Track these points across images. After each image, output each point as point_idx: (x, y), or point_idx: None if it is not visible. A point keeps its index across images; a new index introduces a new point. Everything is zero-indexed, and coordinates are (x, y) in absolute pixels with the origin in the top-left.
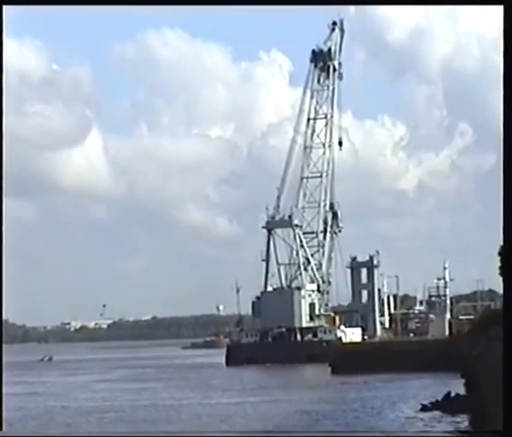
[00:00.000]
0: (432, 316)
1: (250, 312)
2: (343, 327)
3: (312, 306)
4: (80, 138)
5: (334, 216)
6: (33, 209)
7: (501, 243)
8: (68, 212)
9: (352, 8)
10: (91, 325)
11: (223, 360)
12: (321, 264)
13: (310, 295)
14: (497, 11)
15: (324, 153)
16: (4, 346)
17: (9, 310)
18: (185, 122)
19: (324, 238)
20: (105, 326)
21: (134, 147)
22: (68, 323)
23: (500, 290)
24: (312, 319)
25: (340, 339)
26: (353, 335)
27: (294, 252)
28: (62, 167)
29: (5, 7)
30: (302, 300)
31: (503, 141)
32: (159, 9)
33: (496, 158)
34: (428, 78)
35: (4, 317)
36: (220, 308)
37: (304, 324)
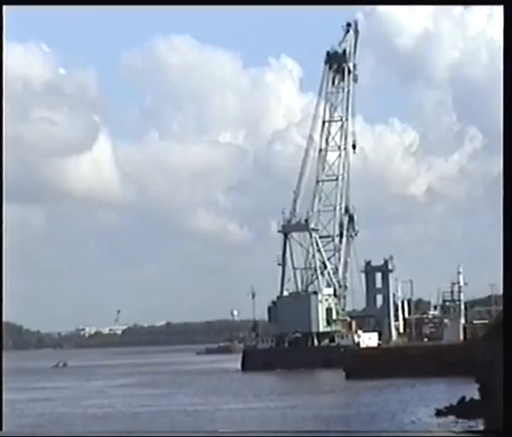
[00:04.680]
0: (446, 321)
1: (264, 317)
2: (360, 332)
3: (328, 311)
4: (88, 144)
5: (350, 219)
6: (42, 216)
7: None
8: (78, 219)
9: (360, 14)
10: (105, 331)
11: (239, 365)
12: (337, 268)
13: (327, 299)
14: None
15: (340, 156)
16: (18, 352)
17: (23, 317)
18: (195, 129)
19: (340, 241)
20: (119, 332)
21: (143, 154)
22: (83, 329)
23: None
24: (328, 323)
25: (358, 344)
26: (369, 340)
27: (311, 256)
28: (70, 174)
29: (5, 7)
30: (319, 305)
31: (503, 139)
32: (166, 14)
33: None
34: (437, 84)
35: (18, 323)
36: (235, 313)
37: (321, 329)
